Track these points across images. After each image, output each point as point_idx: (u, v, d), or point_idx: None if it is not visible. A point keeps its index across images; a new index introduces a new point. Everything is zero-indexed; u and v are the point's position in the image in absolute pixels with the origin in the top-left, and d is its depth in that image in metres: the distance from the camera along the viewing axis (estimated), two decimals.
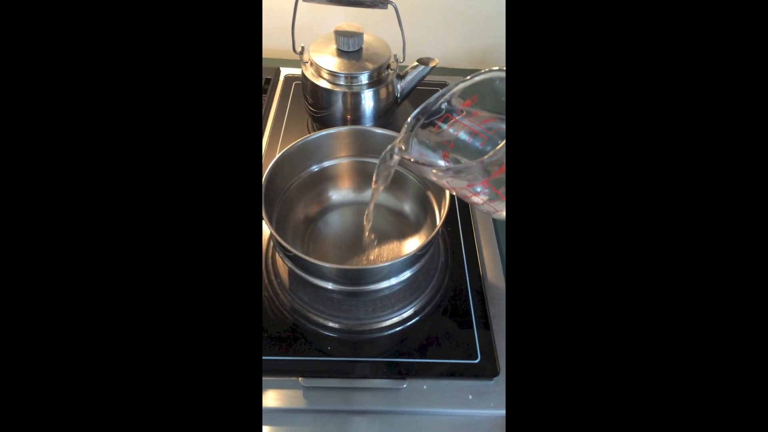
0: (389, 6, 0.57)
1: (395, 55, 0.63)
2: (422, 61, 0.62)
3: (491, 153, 0.28)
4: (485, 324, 0.47)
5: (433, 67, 0.63)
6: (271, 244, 0.53)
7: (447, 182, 0.34)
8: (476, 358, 0.45)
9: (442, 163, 0.38)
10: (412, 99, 0.66)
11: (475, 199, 0.34)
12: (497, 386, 0.44)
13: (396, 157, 0.39)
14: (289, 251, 0.41)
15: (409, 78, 0.63)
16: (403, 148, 0.38)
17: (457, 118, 0.38)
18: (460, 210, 0.58)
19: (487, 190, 0.32)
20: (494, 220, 0.58)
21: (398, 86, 0.64)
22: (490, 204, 0.34)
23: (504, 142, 0.28)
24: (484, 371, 0.44)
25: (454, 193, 0.36)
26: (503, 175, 0.30)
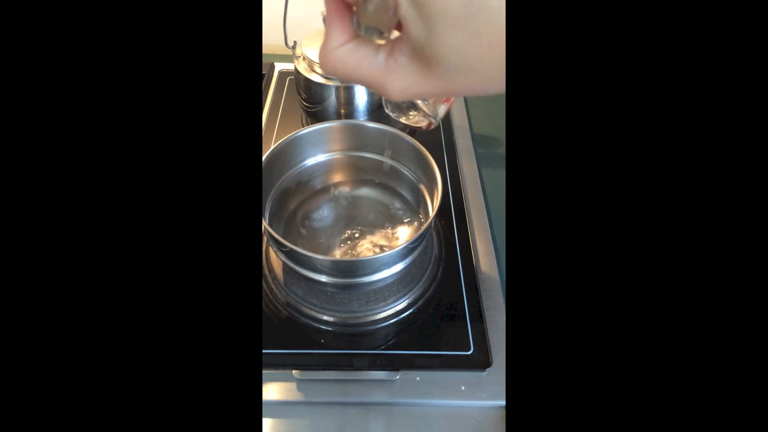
0: None
1: None
2: None
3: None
4: (478, 316, 0.48)
5: None
6: (265, 238, 0.53)
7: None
8: (469, 350, 0.45)
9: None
10: None
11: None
12: (490, 377, 0.44)
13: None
14: (284, 245, 0.42)
15: None
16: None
17: None
18: (454, 202, 0.58)
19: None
20: (489, 212, 0.58)
21: None
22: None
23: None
24: (477, 362, 0.45)
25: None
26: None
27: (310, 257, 0.41)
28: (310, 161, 0.54)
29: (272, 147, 0.48)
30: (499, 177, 0.63)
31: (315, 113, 0.65)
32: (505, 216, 0.58)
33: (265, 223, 0.43)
